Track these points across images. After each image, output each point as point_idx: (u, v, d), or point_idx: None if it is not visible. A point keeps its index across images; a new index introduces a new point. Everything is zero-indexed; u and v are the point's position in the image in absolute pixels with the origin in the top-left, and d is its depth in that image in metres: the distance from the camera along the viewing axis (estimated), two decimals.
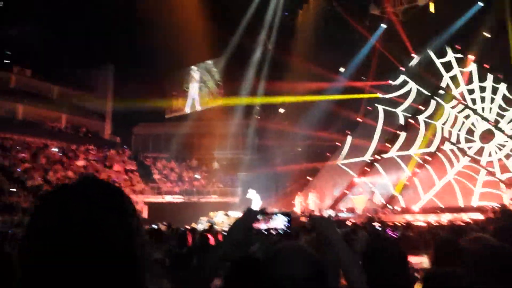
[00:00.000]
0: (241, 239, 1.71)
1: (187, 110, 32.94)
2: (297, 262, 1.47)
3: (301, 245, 1.63)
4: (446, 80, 23.21)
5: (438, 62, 23.46)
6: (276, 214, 1.97)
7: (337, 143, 25.53)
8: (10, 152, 25.03)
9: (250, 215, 1.80)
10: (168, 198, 25.82)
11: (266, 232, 1.93)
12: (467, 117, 22.28)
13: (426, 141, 22.86)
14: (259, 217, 1.89)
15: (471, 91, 22.37)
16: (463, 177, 20.93)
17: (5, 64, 30.01)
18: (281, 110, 27.59)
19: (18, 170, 23.54)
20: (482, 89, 22.01)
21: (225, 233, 12.00)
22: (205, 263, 1.59)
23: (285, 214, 1.99)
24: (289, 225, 1.96)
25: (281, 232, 1.94)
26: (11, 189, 21.37)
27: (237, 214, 21.61)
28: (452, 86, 22.98)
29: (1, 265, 1.23)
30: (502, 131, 21.05)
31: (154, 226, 13.06)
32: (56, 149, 27.77)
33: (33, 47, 29.97)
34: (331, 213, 19.77)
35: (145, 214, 23.07)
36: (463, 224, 10.64)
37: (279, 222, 1.94)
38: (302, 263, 1.47)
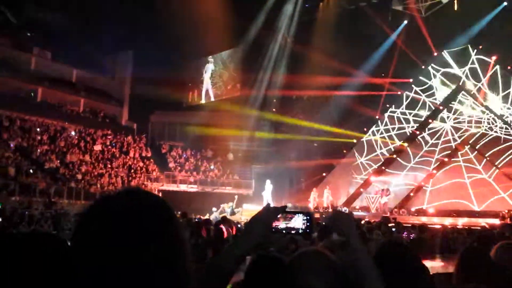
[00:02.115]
0: (260, 240, 1.66)
1: (202, 100, 33.03)
2: (319, 269, 1.44)
3: (323, 251, 1.59)
4: (467, 80, 22.80)
5: (458, 61, 23.05)
6: (296, 213, 1.91)
7: (354, 140, 25.34)
8: (29, 134, 25.37)
9: (269, 213, 1.69)
10: (182, 187, 25.96)
11: (285, 232, 1.87)
12: (488, 119, 21.88)
13: (445, 143, 22.55)
14: (279, 215, 1.83)
15: (493, 92, 21.94)
16: (480, 181, 20.59)
17: (26, 46, 30.30)
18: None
19: (36, 151, 23.86)
20: (505, 89, 21.57)
21: (240, 226, 12.03)
22: (221, 263, 1.54)
23: (305, 213, 1.93)
24: (309, 224, 1.90)
25: (301, 232, 1.88)
26: (29, 170, 21.67)
27: (251, 206, 21.70)
28: (473, 86, 22.56)
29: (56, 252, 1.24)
30: None
31: None
32: (74, 133, 28.06)
33: (54, 30, 30.27)
34: (345, 210, 19.65)
35: None
36: (481, 228, 10.50)
37: (299, 222, 1.89)
38: (324, 270, 1.44)
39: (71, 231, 1.05)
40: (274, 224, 1.72)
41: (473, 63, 22.60)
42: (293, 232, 1.85)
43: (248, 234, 1.63)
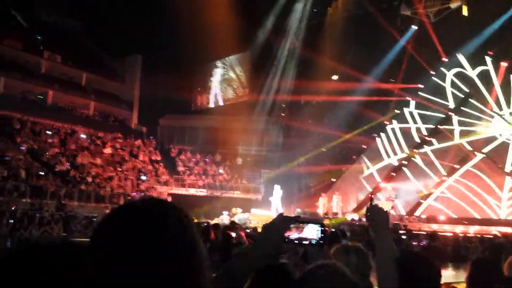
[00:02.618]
0: (271, 250, 1.65)
1: (211, 104, 33.12)
2: (333, 284, 1.44)
3: (338, 265, 1.60)
4: (478, 86, 22.63)
5: (468, 67, 22.90)
6: (309, 223, 1.89)
7: (363, 146, 25.24)
8: (39, 136, 25.58)
9: (282, 223, 1.67)
10: (191, 191, 26.01)
11: (297, 242, 1.85)
12: (498, 125, 21.70)
13: (456, 149, 22.38)
14: (292, 225, 1.81)
15: (504, 99, 21.77)
16: (490, 189, 20.40)
17: (37, 49, 30.60)
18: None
19: (47, 154, 24.05)
20: None
21: (248, 231, 12.02)
22: (233, 272, 1.54)
23: (318, 223, 1.91)
24: (323, 235, 1.89)
25: (314, 243, 1.86)
26: (40, 173, 21.83)
27: (260, 211, 21.66)
28: (484, 93, 22.39)
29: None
30: None
31: None
32: (84, 136, 28.25)
33: (64, 34, 30.55)
34: (355, 217, 19.57)
35: None
36: (493, 237, 10.41)
37: (312, 232, 1.86)
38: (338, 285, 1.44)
39: (81, 234, 1.07)
40: (286, 234, 1.71)
41: (483, 69, 22.43)
42: (305, 242, 1.83)
43: (260, 244, 1.62)
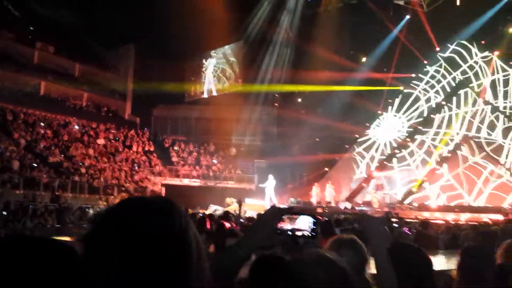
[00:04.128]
0: (264, 242, 1.66)
1: (204, 95, 33.06)
2: (321, 271, 1.44)
3: (325, 253, 1.60)
4: (469, 75, 22.74)
5: (460, 57, 22.99)
6: (301, 214, 1.93)
7: (356, 135, 25.36)
8: (32, 128, 25.44)
9: (274, 214, 1.67)
10: (185, 181, 26.05)
11: (290, 233, 1.89)
12: (489, 113, 21.82)
13: (446, 139, 22.56)
14: (284, 216, 1.83)
15: (494, 87, 21.87)
16: (475, 174, 20.60)
17: (29, 39, 30.31)
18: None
19: (40, 145, 23.95)
20: (505, 85, 21.50)
21: (242, 220, 12.06)
22: (225, 263, 1.53)
23: (310, 215, 1.95)
24: (315, 227, 1.93)
25: (306, 234, 1.90)
26: (33, 164, 21.75)
27: (253, 201, 21.73)
28: (475, 81, 22.51)
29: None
30: None
31: None
32: (77, 127, 28.13)
33: (56, 24, 30.24)
34: (348, 205, 19.72)
35: None
36: (484, 224, 10.55)
37: (304, 223, 1.90)
38: (326, 273, 1.41)
39: (74, 225, 1.07)
40: (279, 225, 1.73)
41: (475, 58, 22.54)
42: (298, 233, 1.86)
43: (252, 235, 1.61)
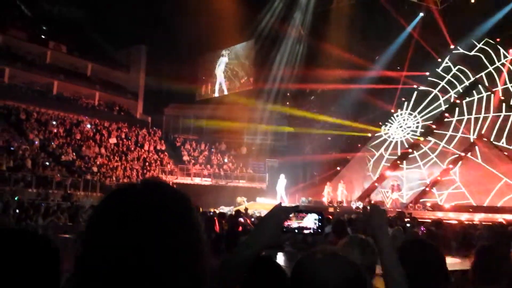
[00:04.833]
0: (271, 240, 1.62)
1: (216, 93, 33.09)
2: (333, 268, 1.39)
3: (337, 249, 1.54)
4: (485, 73, 22.40)
5: (475, 54, 22.64)
6: (308, 212, 1.87)
7: (368, 134, 25.13)
8: (45, 127, 25.68)
9: (281, 213, 1.62)
10: (196, 180, 26.08)
11: (297, 231, 1.83)
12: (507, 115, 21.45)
13: (461, 138, 22.23)
14: (291, 215, 1.79)
15: (510, 86, 21.52)
16: (495, 177, 20.25)
17: (42, 39, 30.61)
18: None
19: (53, 144, 24.16)
20: None
21: (253, 220, 12.01)
22: (233, 263, 1.48)
23: (317, 212, 1.89)
24: (321, 224, 1.86)
25: (313, 232, 1.84)
26: (46, 163, 21.96)
27: (265, 200, 21.68)
28: (490, 80, 22.17)
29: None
30: None
31: None
32: (90, 126, 28.34)
33: (69, 24, 30.54)
34: (359, 205, 19.55)
35: None
36: (498, 224, 10.34)
37: (311, 221, 1.85)
38: (338, 270, 1.38)
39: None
40: (286, 224, 1.69)
41: (490, 56, 22.18)
42: (305, 231, 1.82)
43: (259, 233, 1.58)
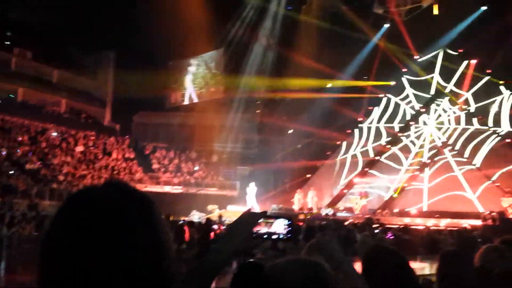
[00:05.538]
0: (241, 247, 1.64)
1: (186, 101, 32.93)
2: (293, 269, 1.43)
3: (309, 258, 1.58)
4: (447, 83, 23.20)
5: (438, 65, 23.46)
6: (277, 218, 1.93)
7: (337, 142, 25.54)
8: (9, 135, 24.94)
9: (251, 218, 1.60)
10: (166, 189, 25.82)
11: (266, 237, 1.88)
12: (467, 121, 22.30)
13: (427, 145, 22.94)
14: (260, 220, 1.82)
15: (471, 96, 22.37)
16: (461, 183, 20.95)
17: (6, 45, 29.78)
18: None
19: (17, 152, 23.49)
20: (483, 94, 21.98)
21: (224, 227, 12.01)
22: (202, 270, 1.42)
23: (285, 218, 1.95)
24: (290, 229, 1.92)
25: (282, 237, 1.90)
26: (10, 172, 21.32)
27: (236, 208, 21.67)
28: (453, 89, 22.99)
29: None
30: (500, 135, 21.12)
31: None
32: (56, 134, 27.67)
33: (34, 30, 29.80)
34: (329, 212, 19.81)
35: None
36: (463, 229, 10.70)
37: (280, 227, 1.90)
38: (306, 278, 1.40)
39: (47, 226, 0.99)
40: (255, 229, 1.72)
41: (452, 66, 23.01)
42: (274, 237, 1.86)
43: (228, 240, 1.54)
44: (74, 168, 25.06)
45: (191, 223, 13.32)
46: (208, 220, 13.64)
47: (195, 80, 33.05)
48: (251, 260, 2.14)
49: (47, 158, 24.54)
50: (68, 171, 24.23)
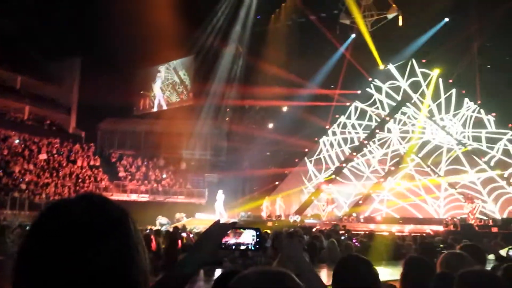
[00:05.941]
0: (209, 258, 1.65)
1: (154, 108, 32.59)
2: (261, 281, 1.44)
3: (274, 269, 1.59)
4: (411, 92, 23.86)
5: (402, 75, 24.09)
6: (245, 228, 1.94)
7: (305, 150, 25.80)
8: None
9: (219, 230, 1.64)
10: (133, 197, 25.41)
11: (234, 248, 1.89)
12: (431, 130, 22.98)
13: (391, 153, 23.48)
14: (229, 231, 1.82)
15: (435, 105, 23.06)
16: (426, 190, 21.52)
17: None
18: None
19: None
20: (447, 103, 22.69)
21: (192, 235, 11.87)
22: (170, 282, 1.47)
23: (254, 228, 1.96)
24: (258, 240, 1.94)
25: (250, 248, 1.91)
26: None
27: (204, 216, 21.52)
28: (417, 98, 23.64)
29: None
30: (463, 144, 21.80)
31: None
32: (18, 141, 26.85)
33: None
34: (297, 218, 19.93)
35: None
36: (426, 235, 10.98)
37: (248, 237, 1.91)
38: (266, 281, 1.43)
39: (15, 244, 1.01)
40: (224, 240, 1.72)
41: (416, 76, 23.70)
42: (242, 247, 1.86)
43: (197, 251, 1.58)
44: (37, 176, 24.36)
45: (158, 232, 13.12)
46: (176, 228, 13.48)
47: (164, 86, 32.76)
48: (234, 269, 2.16)
49: (9, 166, 23.76)
50: (31, 180, 23.53)
